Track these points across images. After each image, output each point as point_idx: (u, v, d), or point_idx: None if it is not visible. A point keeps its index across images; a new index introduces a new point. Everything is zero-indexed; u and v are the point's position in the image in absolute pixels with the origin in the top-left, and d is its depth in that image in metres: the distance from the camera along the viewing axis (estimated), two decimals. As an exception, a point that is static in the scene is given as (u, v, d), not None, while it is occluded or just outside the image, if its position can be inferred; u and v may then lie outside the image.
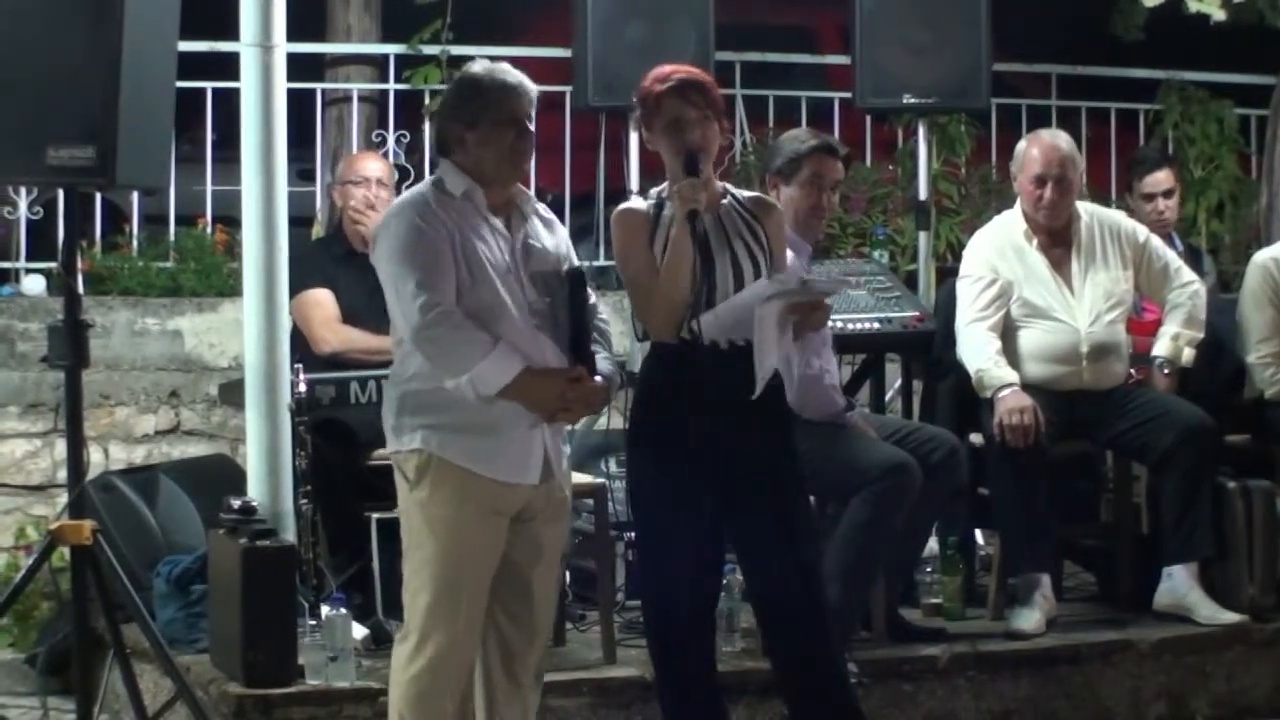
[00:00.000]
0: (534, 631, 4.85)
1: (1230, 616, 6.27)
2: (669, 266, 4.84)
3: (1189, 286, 6.55)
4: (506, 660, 4.82)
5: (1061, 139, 6.52)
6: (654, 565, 5.02)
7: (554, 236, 4.90)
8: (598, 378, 4.80)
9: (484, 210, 4.76)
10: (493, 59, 4.94)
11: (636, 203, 5.06)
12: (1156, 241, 6.62)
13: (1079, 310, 6.41)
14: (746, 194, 5.14)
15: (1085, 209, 6.57)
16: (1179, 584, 6.32)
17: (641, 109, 5.01)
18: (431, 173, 4.98)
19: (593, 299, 4.93)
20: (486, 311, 4.66)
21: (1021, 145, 6.56)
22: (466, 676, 4.74)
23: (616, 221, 5.02)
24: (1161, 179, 7.50)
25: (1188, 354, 6.52)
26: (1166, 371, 6.50)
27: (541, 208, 4.95)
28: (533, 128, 4.83)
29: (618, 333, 8.19)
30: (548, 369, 4.70)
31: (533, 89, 4.85)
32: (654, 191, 5.04)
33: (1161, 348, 6.52)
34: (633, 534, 6.36)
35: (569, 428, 4.96)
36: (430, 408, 4.67)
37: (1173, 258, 6.64)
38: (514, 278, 4.73)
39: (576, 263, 4.91)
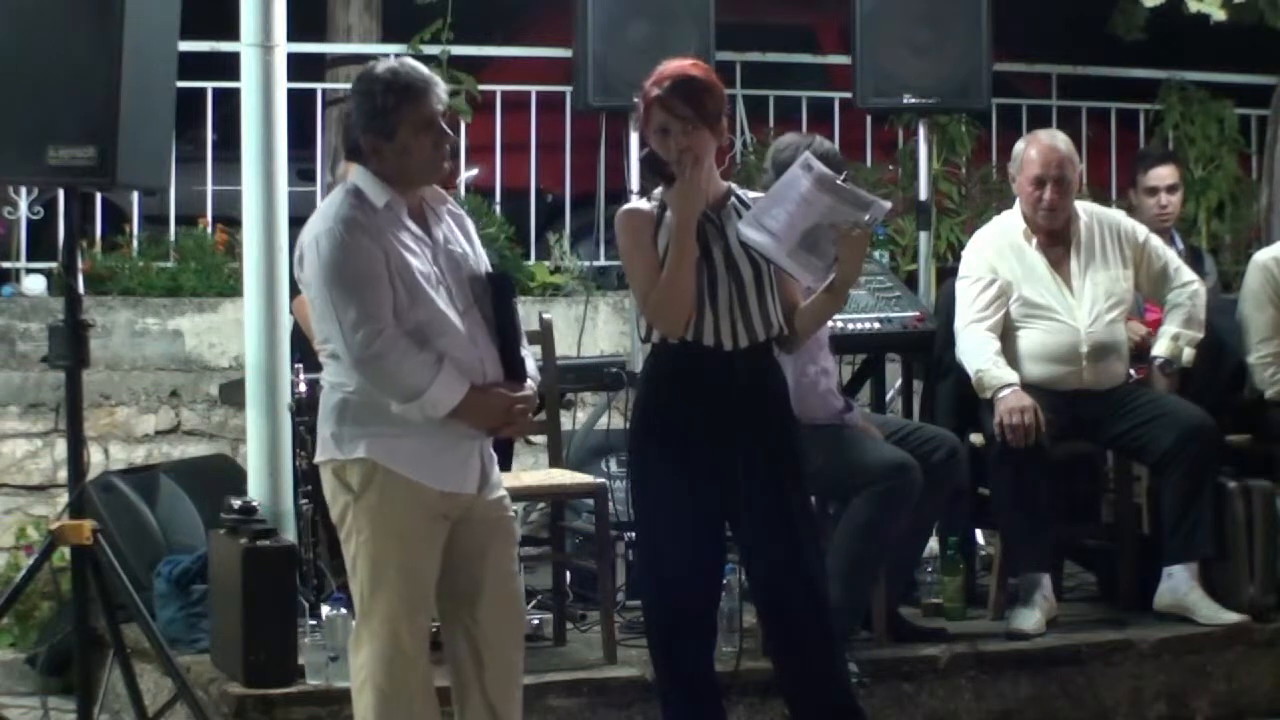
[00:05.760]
0: (498, 637, 4.78)
1: (1230, 616, 6.27)
2: (673, 264, 4.83)
3: (1189, 286, 6.55)
4: (477, 667, 4.77)
5: (1060, 139, 6.51)
6: (655, 565, 5.02)
7: (466, 235, 4.83)
8: (530, 382, 4.77)
9: (405, 220, 4.67)
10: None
11: (639, 203, 5.05)
12: (1156, 241, 6.62)
13: (1079, 310, 6.41)
14: (753, 195, 5.13)
15: (1084, 209, 6.56)
16: (1179, 584, 6.32)
17: (640, 110, 5.00)
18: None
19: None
20: (428, 328, 4.60)
21: (1020, 146, 6.56)
22: (425, 679, 4.69)
23: (620, 222, 5.01)
24: (1165, 174, 7.48)
25: (1188, 354, 6.52)
26: (1167, 371, 6.50)
27: (451, 204, 4.87)
28: (445, 125, 4.71)
29: (618, 332, 8.24)
30: (490, 386, 4.66)
31: (439, 81, 4.72)
32: (656, 193, 5.03)
33: (1161, 347, 6.51)
34: (633, 534, 6.38)
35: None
36: (372, 417, 4.61)
37: (1172, 257, 6.64)
38: (445, 288, 4.67)
39: (488, 263, 4.84)
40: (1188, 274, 6.59)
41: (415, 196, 4.72)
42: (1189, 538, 6.30)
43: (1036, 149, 6.44)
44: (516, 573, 4.89)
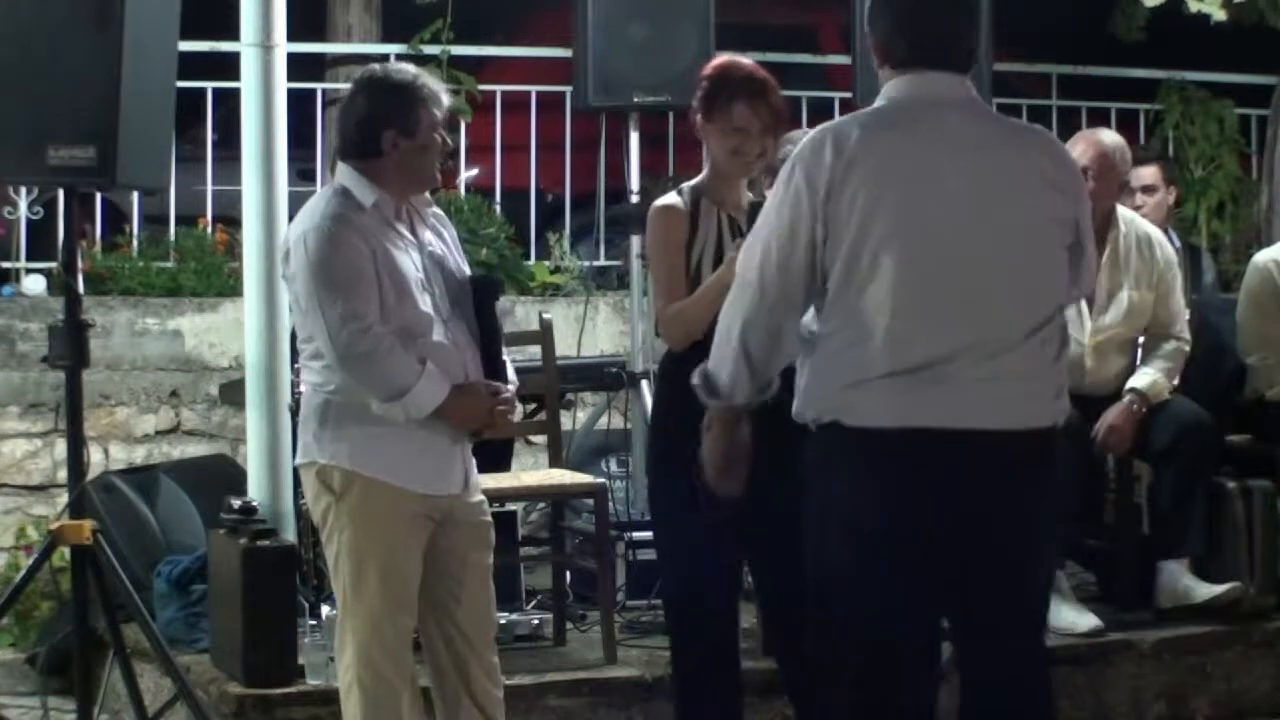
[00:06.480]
0: (479, 639, 4.79)
1: (1225, 587, 6.24)
2: (705, 295, 4.85)
3: (1182, 345, 6.40)
4: (461, 670, 4.78)
5: (1105, 134, 6.45)
6: (683, 568, 5.00)
7: (446, 238, 4.85)
8: (510, 385, 4.78)
9: (392, 220, 4.68)
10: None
11: (674, 199, 5.03)
12: (1175, 279, 6.45)
13: (1088, 316, 6.30)
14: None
15: (1125, 218, 6.40)
16: (1172, 575, 6.32)
17: (708, 101, 4.98)
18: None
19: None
20: (414, 328, 4.61)
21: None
22: (410, 679, 4.70)
23: (653, 219, 4.99)
24: (1142, 174, 7.30)
25: (1156, 399, 6.42)
26: (1136, 407, 6.29)
27: (434, 208, 4.89)
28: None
29: (618, 332, 8.24)
30: (471, 385, 4.68)
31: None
32: (685, 187, 5.04)
33: (1142, 381, 6.31)
34: (634, 535, 6.37)
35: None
36: (354, 420, 4.62)
37: (1180, 306, 6.51)
38: (429, 289, 4.68)
39: (467, 267, 4.87)
40: (1184, 329, 6.45)
41: (404, 200, 4.73)
42: (1181, 534, 6.30)
43: (1084, 143, 6.34)
44: (490, 576, 4.89)
